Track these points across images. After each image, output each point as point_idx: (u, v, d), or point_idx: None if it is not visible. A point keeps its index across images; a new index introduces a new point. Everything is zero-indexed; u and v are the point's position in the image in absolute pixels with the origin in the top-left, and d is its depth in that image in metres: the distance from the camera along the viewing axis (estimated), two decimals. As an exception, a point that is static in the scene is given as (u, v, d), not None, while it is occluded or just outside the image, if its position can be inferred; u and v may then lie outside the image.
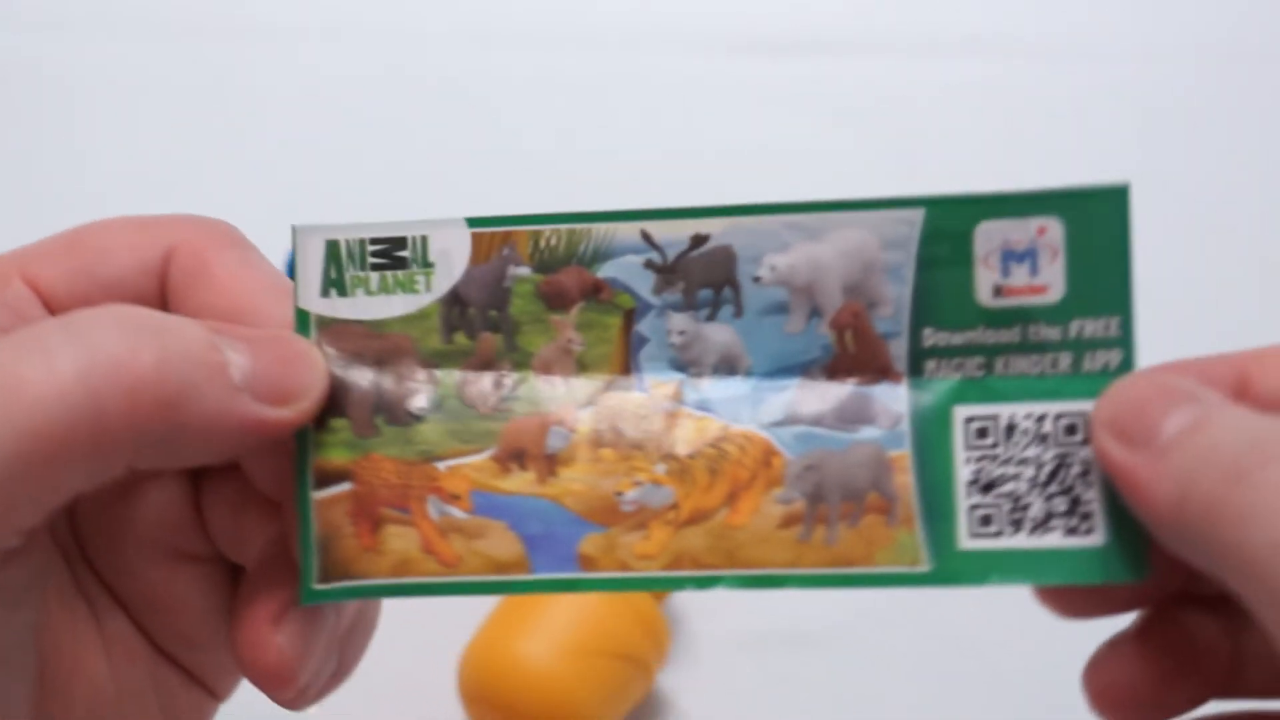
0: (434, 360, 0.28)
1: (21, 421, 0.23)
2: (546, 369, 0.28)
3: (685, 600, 0.56)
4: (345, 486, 0.28)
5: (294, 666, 0.28)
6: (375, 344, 0.28)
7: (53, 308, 0.28)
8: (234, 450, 0.27)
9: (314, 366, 0.27)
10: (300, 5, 0.75)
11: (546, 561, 0.27)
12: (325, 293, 0.28)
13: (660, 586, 0.27)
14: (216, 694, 0.31)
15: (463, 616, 0.52)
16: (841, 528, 0.27)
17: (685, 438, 0.27)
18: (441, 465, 0.28)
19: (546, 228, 0.28)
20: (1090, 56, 0.73)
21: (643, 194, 0.68)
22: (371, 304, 0.28)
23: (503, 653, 0.50)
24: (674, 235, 0.27)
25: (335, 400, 0.28)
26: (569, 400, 0.28)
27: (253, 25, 0.74)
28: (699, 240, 0.27)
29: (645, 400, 0.28)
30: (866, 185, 0.74)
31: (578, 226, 0.27)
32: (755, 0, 0.75)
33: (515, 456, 0.28)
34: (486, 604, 0.53)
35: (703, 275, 0.27)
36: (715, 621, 0.56)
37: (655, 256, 0.27)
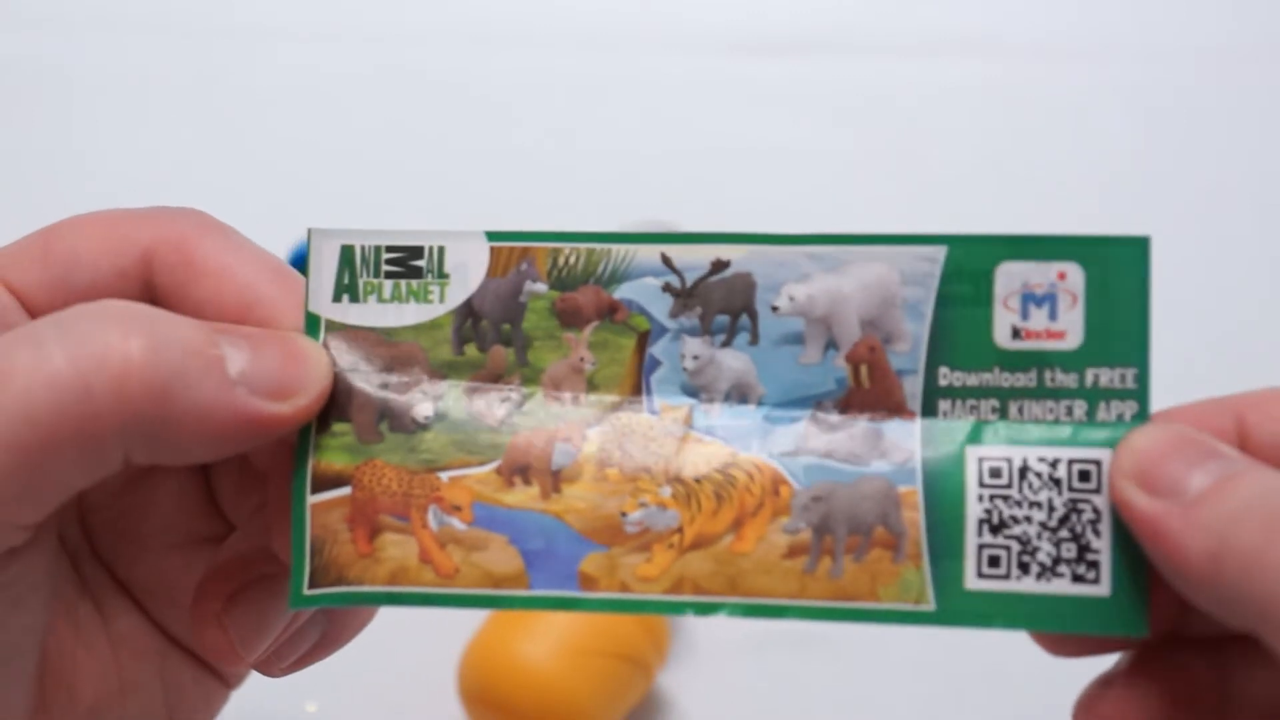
0: (443, 370, 0.27)
1: (11, 408, 0.23)
2: (556, 386, 0.27)
3: (685, 600, 0.56)
4: (343, 491, 0.27)
5: (239, 646, 0.28)
6: (385, 350, 0.27)
7: (34, 314, 0.27)
8: (233, 445, 0.26)
9: (315, 364, 0.27)
10: (301, 4, 0.75)
11: (546, 578, 0.27)
12: (337, 297, 0.27)
13: (660, 610, 0.27)
14: (228, 681, 0.31)
15: (463, 616, 0.52)
16: (847, 561, 0.26)
17: (693, 462, 0.27)
18: (444, 475, 0.27)
19: (566, 246, 0.27)
20: (1090, 56, 0.73)
21: (643, 194, 0.69)
22: (383, 311, 0.27)
23: (503, 653, 0.50)
24: (694, 260, 0.27)
25: (339, 404, 0.27)
26: (577, 418, 0.27)
27: (253, 24, 0.74)
28: (719, 266, 0.27)
29: (654, 422, 0.27)
30: (865, 185, 0.75)
31: (597, 246, 0.27)
32: (755, 0, 0.75)
33: (519, 471, 0.27)
34: (487, 604, 0.53)
35: (721, 301, 0.27)
36: (715, 622, 0.56)
37: (674, 280, 0.27)
